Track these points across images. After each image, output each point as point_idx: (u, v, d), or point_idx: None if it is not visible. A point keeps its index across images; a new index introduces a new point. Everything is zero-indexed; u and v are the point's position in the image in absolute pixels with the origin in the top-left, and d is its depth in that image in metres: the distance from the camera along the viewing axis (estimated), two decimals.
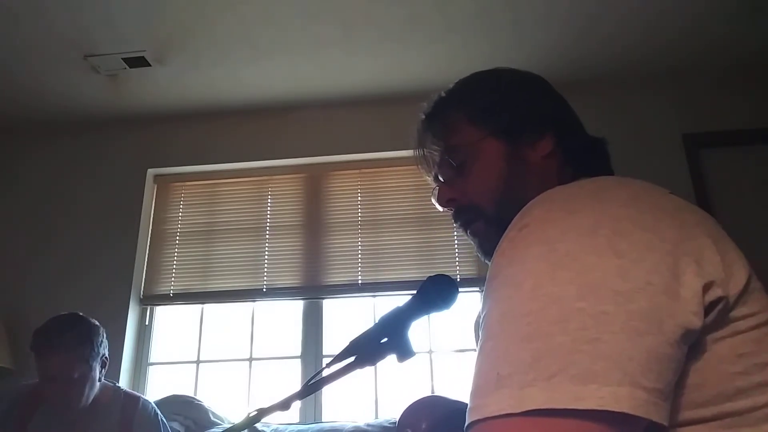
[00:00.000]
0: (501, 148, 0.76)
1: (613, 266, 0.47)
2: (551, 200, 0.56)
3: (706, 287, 0.48)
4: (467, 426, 0.46)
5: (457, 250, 2.76)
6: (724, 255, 0.51)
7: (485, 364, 0.47)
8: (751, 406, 0.48)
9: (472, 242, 0.81)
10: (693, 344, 0.49)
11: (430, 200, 0.87)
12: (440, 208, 0.83)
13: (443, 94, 0.85)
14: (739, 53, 2.69)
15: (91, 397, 1.88)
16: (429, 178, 0.87)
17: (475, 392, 0.47)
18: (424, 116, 0.86)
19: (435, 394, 0.94)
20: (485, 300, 0.53)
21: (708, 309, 0.48)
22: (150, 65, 2.63)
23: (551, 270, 0.48)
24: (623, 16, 2.42)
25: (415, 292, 0.83)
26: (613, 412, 0.42)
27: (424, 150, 0.84)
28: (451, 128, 0.80)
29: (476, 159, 0.77)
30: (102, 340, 1.93)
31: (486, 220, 0.76)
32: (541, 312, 0.46)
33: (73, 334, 1.84)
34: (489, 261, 0.58)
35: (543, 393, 0.43)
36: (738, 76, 2.79)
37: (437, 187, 0.82)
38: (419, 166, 0.87)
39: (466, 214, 0.79)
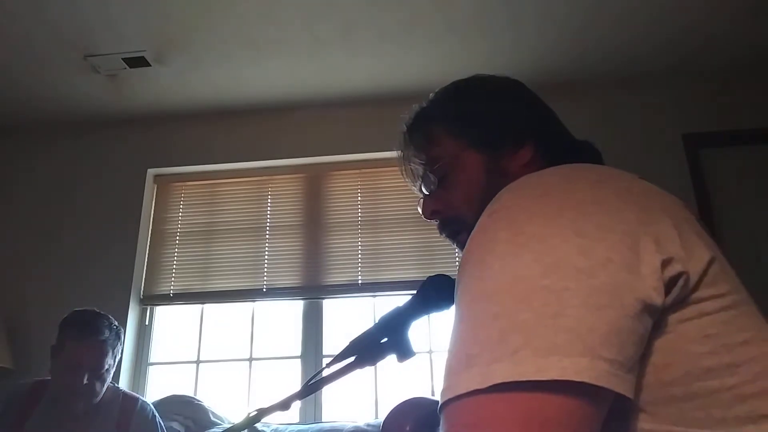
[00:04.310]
0: (480, 160, 0.77)
1: (575, 245, 0.49)
2: (520, 186, 0.57)
3: (665, 263, 0.49)
4: (440, 407, 0.48)
5: (456, 250, 2.75)
6: (685, 236, 0.52)
7: (457, 346, 0.49)
8: (720, 387, 0.49)
9: (457, 251, 0.82)
10: (658, 323, 0.49)
11: None
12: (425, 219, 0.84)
13: (424, 105, 0.86)
14: (739, 53, 2.69)
15: (101, 395, 1.88)
16: (414, 189, 0.88)
17: (447, 374, 0.49)
18: (405, 129, 0.86)
19: (418, 396, 0.94)
20: (458, 284, 0.54)
21: (669, 285, 0.49)
22: (150, 65, 2.63)
23: (518, 252, 0.50)
24: (622, 16, 2.42)
25: (414, 292, 0.83)
26: (575, 382, 0.43)
27: (409, 162, 0.86)
28: (432, 141, 0.81)
29: (457, 171, 0.78)
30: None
31: (469, 231, 0.77)
32: (508, 291, 0.48)
33: (108, 327, 1.86)
34: None
35: (508, 367, 0.44)
36: (738, 76, 2.79)
37: (422, 199, 0.83)
38: (405, 178, 0.88)
39: (450, 226, 0.81)
